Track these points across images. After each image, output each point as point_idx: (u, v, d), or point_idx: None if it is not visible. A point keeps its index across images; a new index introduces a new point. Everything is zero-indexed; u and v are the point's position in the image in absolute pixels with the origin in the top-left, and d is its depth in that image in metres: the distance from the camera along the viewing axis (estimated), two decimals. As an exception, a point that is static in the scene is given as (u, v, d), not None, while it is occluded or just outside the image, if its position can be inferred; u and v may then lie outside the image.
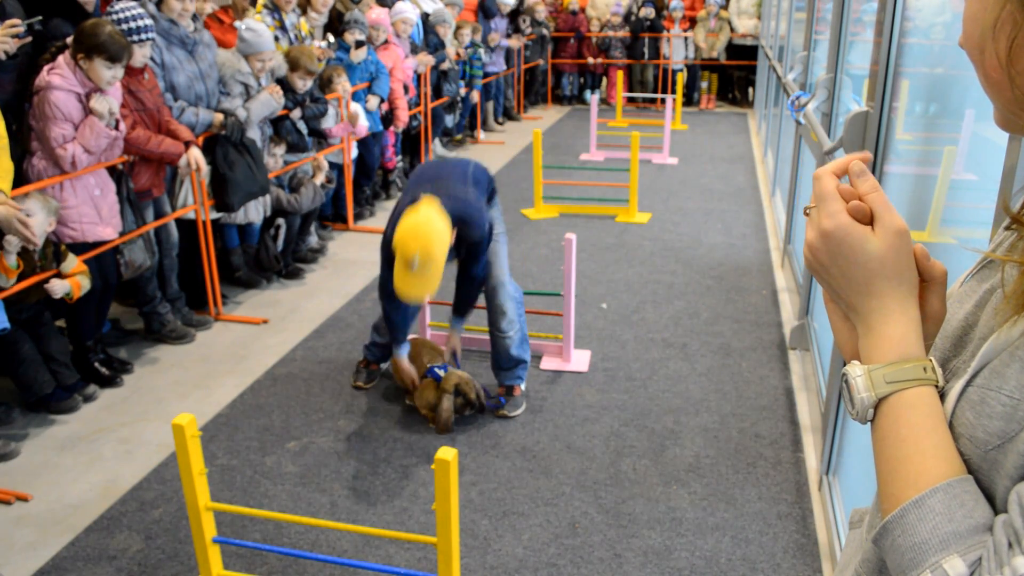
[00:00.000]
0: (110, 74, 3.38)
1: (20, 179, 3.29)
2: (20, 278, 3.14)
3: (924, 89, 2.32)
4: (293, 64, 4.82)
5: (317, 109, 5.07)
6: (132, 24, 3.58)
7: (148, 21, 3.65)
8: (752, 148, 8.73)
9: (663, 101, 10.63)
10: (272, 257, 4.78)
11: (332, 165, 5.47)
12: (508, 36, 10.02)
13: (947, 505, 0.64)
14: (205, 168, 4.08)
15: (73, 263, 3.33)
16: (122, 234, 3.65)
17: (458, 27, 8.07)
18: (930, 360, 0.71)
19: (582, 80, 11.97)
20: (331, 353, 3.95)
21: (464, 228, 3.03)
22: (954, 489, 0.65)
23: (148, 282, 3.99)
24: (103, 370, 3.65)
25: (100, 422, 3.36)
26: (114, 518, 2.75)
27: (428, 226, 2.77)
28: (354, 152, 5.85)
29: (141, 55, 3.69)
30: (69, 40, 3.39)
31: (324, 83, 5.34)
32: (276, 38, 5.05)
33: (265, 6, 5.28)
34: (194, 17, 4.21)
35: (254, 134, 4.49)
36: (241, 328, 4.28)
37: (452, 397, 3.22)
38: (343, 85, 5.38)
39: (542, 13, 10.97)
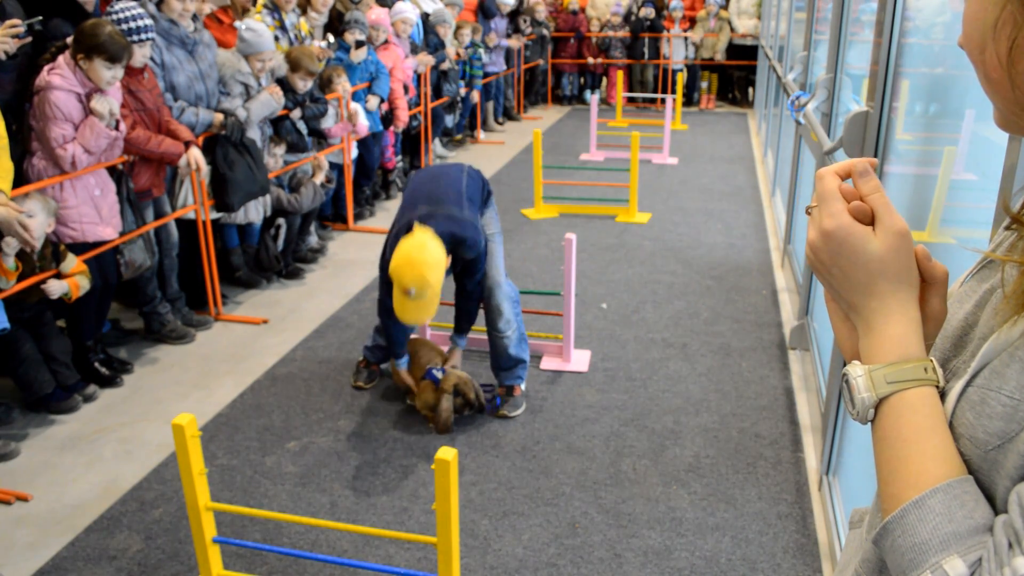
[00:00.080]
0: (110, 74, 3.38)
1: (20, 179, 3.29)
2: (20, 279, 3.14)
3: (924, 89, 2.32)
4: (294, 65, 4.82)
5: (317, 109, 5.07)
6: (132, 24, 3.58)
7: (148, 21, 3.66)
8: (752, 148, 8.73)
9: (663, 101, 10.64)
10: (272, 257, 4.78)
11: (332, 165, 5.47)
12: (508, 36, 10.02)
13: (947, 506, 0.64)
14: (205, 168, 4.08)
15: (72, 263, 3.33)
16: (122, 234, 3.65)
17: (458, 27, 8.07)
18: (931, 360, 0.71)
19: (582, 80, 11.97)
20: (331, 353, 3.96)
21: (459, 248, 3.07)
22: (954, 490, 0.65)
23: (148, 282, 3.99)
24: (103, 370, 3.65)
25: (100, 422, 3.36)
26: (114, 518, 2.75)
27: (422, 255, 2.83)
28: (354, 152, 5.85)
29: (141, 55, 3.69)
30: (69, 40, 3.39)
31: (324, 83, 5.34)
32: (276, 38, 5.05)
33: (265, 6, 5.28)
34: (194, 17, 4.21)
35: (254, 134, 4.49)
36: (241, 328, 4.28)
37: (451, 398, 3.22)
38: (343, 85, 5.38)
39: (542, 13, 10.97)
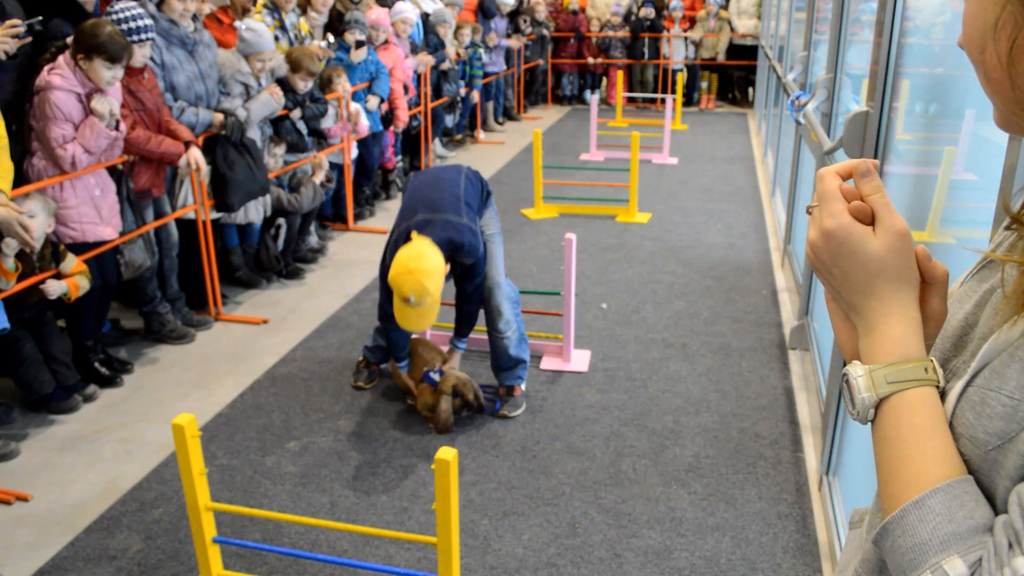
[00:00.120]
0: (110, 74, 3.38)
1: (20, 179, 3.29)
2: (20, 279, 3.14)
3: (924, 89, 2.32)
4: (295, 65, 4.82)
5: (317, 109, 5.07)
6: (132, 24, 3.58)
7: (148, 21, 3.66)
8: (752, 148, 8.73)
9: (663, 101, 10.64)
10: (272, 257, 4.78)
11: (332, 165, 5.47)
12: (508, 36, 10.02)
13: (947, 506, 0.64)
14: (205, 168, 4.08)
15: (72, 263, 3.33)
16: (122, 234, 3.65)
17: (458, 27, 8.07)
18: (931, 360, 0.71)
19: (582, 80, 11.97)
20: (331, 353, 3.96)
21: (458, 254, 3.08)
22: (954, 490, 0.65)
23: (148, 282, 3.99)
24: (103, 370, 3.65)
25: (100, 422, 3.36)
26: (114, 518, 2.75)
27: (420, 263, 2.84)
28: (354, 152, 5.85)
29: (141, 55, 3.69)
30: (69, 40, 3.39)
31: (324, 83, 5.34)
32: (276, 38, 5.05)
33: (265, 6, 5.28)
34: (194, 17, 4.21)
35: (254, 134, 4.49)
36: (241, 328, 4.28)
37: (450, 398, 3.22)
38: (343, 85, 5.38)
39: (542, 13, 10.97)
